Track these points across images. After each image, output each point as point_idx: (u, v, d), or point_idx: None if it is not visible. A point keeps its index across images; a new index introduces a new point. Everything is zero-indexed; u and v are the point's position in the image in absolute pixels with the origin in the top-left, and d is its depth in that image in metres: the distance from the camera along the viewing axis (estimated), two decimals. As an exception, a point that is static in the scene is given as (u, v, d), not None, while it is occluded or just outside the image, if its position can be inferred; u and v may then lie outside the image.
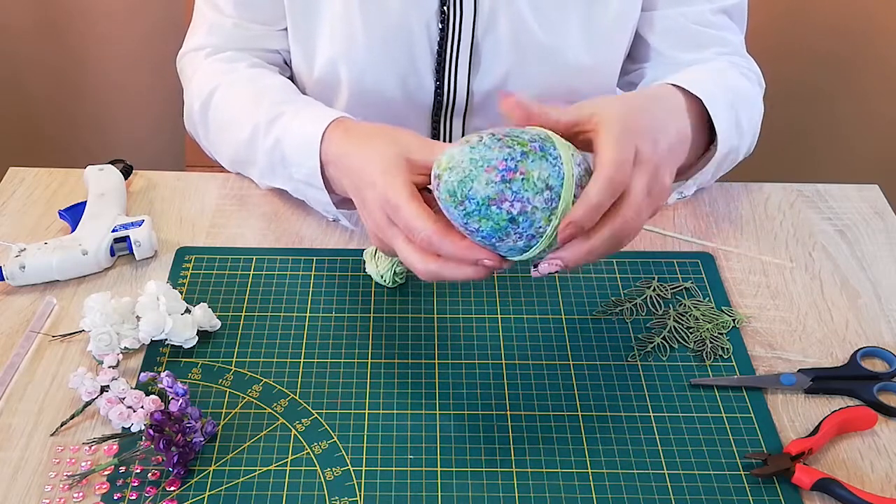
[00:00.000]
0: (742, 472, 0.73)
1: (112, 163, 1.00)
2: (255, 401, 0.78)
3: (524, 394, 0.79)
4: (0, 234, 0.95)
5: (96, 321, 0.81)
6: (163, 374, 0.77)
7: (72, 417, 0.76)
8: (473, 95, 1.03)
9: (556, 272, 0.73)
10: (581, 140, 0.75)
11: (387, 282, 0.88)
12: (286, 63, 1.07)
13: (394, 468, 0.73)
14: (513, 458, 0.74)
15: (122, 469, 0.72)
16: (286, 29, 1.03)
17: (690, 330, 0.85)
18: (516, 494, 0.71)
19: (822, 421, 0.76)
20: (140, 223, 0.92)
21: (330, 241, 0.95)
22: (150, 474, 0.72)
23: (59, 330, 0.84)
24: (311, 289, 0.89)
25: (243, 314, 0.86)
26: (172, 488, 0.71)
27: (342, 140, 0.85)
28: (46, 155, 1.89)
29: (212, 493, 0.71)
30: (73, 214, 0.93)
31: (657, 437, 0.76)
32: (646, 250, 0.93)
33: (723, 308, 0.87)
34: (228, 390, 0.79)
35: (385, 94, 1.02)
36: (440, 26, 0.99)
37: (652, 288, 0.89)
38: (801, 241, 0.96)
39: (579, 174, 0.72)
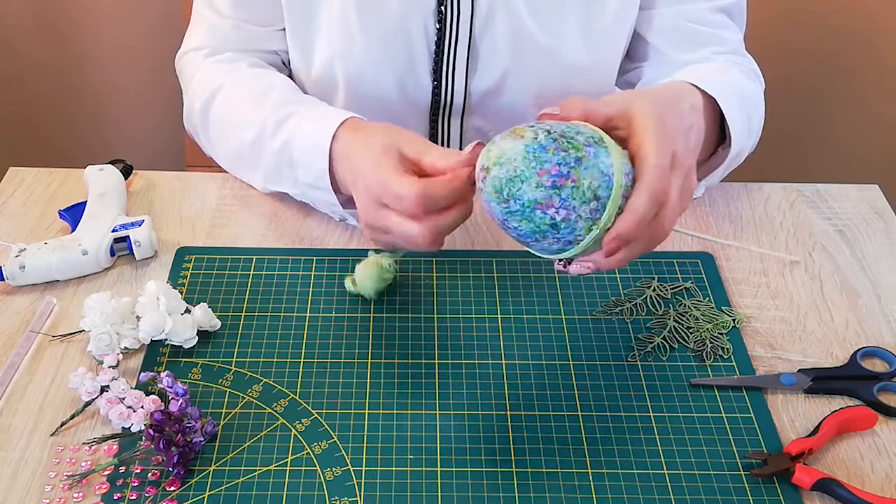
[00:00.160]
0: (742, 472, 0.73)
1: (112, 163, 1.00)
2: (255, 401, 0.78)
3: (524, 394, 0.79)
4: (0, 234, 0.95)
5: (96, 321, 0.81)
6: (163, 374, 0.77)
7: (72, 417, 0.76)
8: (471, 95, 1.04)
9: (586, 274, 0.74)
10: (613, 136, 0.75)
11: (370, 291, 0.86)
12: (284, 64, 1.07)
13: (394, 468, 0.73)
14: (513, 458, 0.74)
15: (122, 469, 0.72)
16: (284, 29, 1.03)
17: (690, 330, 0.85)
18: (516, 494, 0.71)
19: (822, 421, 0.76)
20: (140, 223, 0.92)
21: (330, 241, 0.95)
22: (150, 474, 0.72)
23: (59, 330, 0.84)
24: (311, 289, 0.89)
25: (243, 314, 0.86)
26: (172, 488, 0.71)
27: (350, 138, 0.86)
28: (46, 155, 1.90)
29: (212, 493, 0.71)
30: (73, 214, 0.93)
31: (657, 437, 0.76)
32: (646, 250, 0.93)
33: (723, 308, 0.87)
34: (228, 390, 0.79)
35: (383, 94, 1.02)
36: (438, 26, 0.99)
37: (652, 288, 0.89)
38: (801, 241, 0.96)
39: (626, 185, 0.70)
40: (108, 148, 1.90)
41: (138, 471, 0.72)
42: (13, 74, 1.83)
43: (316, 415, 0.77)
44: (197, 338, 0.83)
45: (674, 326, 0.85)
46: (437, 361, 0.82)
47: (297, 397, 0.79)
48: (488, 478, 0.72)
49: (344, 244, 0.94)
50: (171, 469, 0.72)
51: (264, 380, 0.80)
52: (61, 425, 0.76)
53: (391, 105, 1.03)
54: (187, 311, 0.84)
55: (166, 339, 0.82)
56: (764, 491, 0.72)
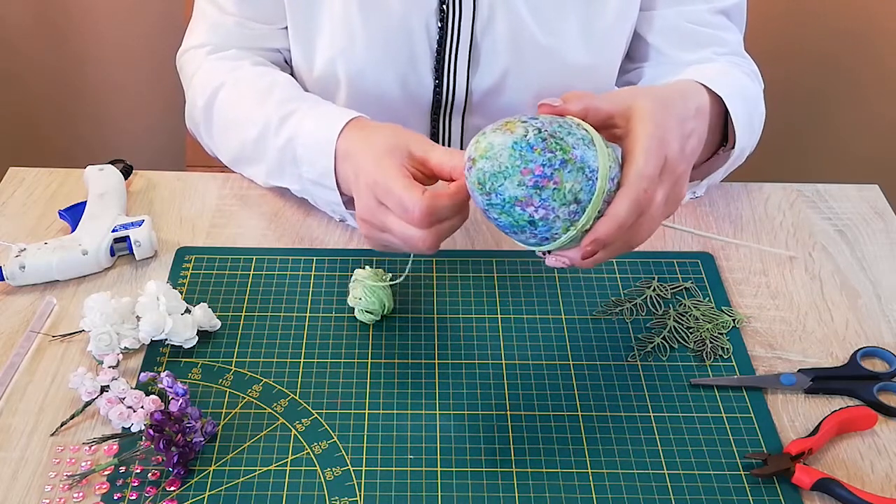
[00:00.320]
0: (742, 472, 0.73)
1: (112, 163, 1.00)
2: (255, 401, 0.78)
3: (524, 394, 0.79)
4: (0, 234, 0.95)
5: (96, 321, 0.81)
6: (163, 374, 0.77)
7: (72, 417, 0.76)
8: (472, 94, 1.04)
9: (561, 267, 0.74)
10: (611, 134, 0.75)
11: (375, 308, 0.85)
12: (286, 62, 1.07)
13: (394, 468, 0.73)
14: (513, 458, 0.74)
15: (122, 469, 0.72)
16: (287, 28, 1.03)
17: (690, 330, 0.85)
18: (516, 494, 0.71)
19: (822, 421, 0.76)
20: (140, 223, 0.92)
21: (330, 241, 0.95)
22: (150, 474, 0.72)
23: (59, 330, 0.84)
24: (311, 289, 0.89)
25: (243, 314, 0.86)
26: (172, 488, 0.71)
27: (354, 137, 0.86)
28: (46, 155, 1.89)
29: (212, 493, 0.71)
30: (73, 214, 0.93)
31: (657, 437, 0.76)
32: (646, 250, 0.93)
33: (723, 308, 0.87)
34: (228, 390, 0.79)
35: (384, 93, 1.02)
36: (439, 25, 0.99)
37: (652, 288, 0.89)
38: (801, 241, 0.96)
39: (609, 190, 0.70)
40: (108, 148, 1.90)
41: (138, 471, 0.72)
42: (13, 74, 1.83)
43: (316, 415, 0.77)
44: (197, 338, 0.83)
45: (674, 326, 0.85)
46: (437, 361, 0.82)
47: (297, 397, 0.79)
48: (488, 478, 0.72)
49: (344, 244, 0.94)
50: (171, 469, 0.72)
51: (264, 380, 0.80)
52: (61, 425, 0.76)
53: (392, 104, 1.03)
54: (187, 311, 0.84)
55: (166, 339, 0.82)
56: (764, 491, 0.72)
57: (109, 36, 1.79)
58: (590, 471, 0.73)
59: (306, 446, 0.75)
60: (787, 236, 0.96)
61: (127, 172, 1.00)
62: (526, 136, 0.69)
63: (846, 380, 0.80)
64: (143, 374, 0.78)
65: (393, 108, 1.03)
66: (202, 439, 0.74)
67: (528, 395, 0.79)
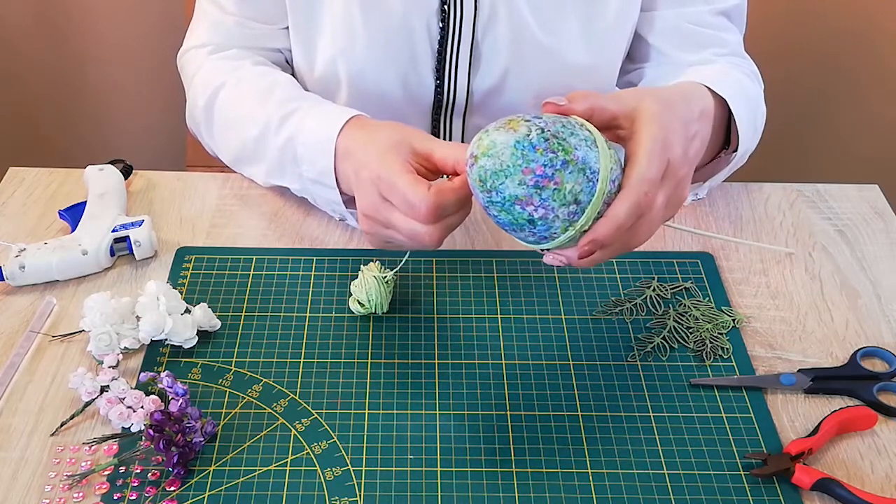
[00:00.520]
0: (742, 472, 0.73)
1: (112, 163, 1.00)
2: (255, 401, 0.78)
3: (524, 394, 0.79)
4: (0, 234, 0.95)
5: (96, 321, 0.81)
6: (163, 374, 0.77)
7: (72, 417, 0.76)
8: (473, 94, 1.04)
9: (559, 266, 0.74)
10: (615, 135, 0.75)
11: (381, 308, 0.86)
12: (287, 62, 1.07)
13: (394, 468, 0.73)
14: (513, 458, 0.74)
15: (122, 469, 0.72)
16: (288, 27, 1.03)
17: (690, 330, 0.85)
18: (516, 494, 0.71)
19: (821, 421, 0.76)
20: (140, 223, 0.92)
21: (330, 241, 0.95)
22: (150, 474, 0.72)
23: (59, 330, 0.84)
24: (311, 289, 0.89)
25: (243, 314, 0.86)
26: (172, 488, 0.71)
27: (355, 135, 0.86)
28: (46, 155, 1.90)
29: (212, 493, 0.71)
30: (73, 214, 0.93)
31: (657, 437, 0.76)
32: (646, 250, 0.93)
33: (723, 308, 0.87)
34: (228, 390, 0.79)
35: (385, 93, 1.02)
36: (440, 25, 0.99)
37: (652, 288, 0.89)
38: (801, 241, 0.96)
39: (610, 191, 0.70)
40: (108, 148, 1.90)
41: (138, 471, 0.72)
42: (13, 74, 1.83)
43: (316, 415, 0.77)
44: (197, 338, 0.83)
45: (674, 326, 0.85)
46: (437, 361, 0.82)
47: (297, 397, 0.79)
48: (488, 478, 0.72)
49: (344, 244, 0.94)
50: (171, 469, 0.72)
51: (264, 380, 0.80)
52: (61, 425, 0.76)
53: (394, 103, 1.03)
54: (187, 311, 0.84)
55: (166, 339, 0.82)
56: (764, 491, 0.72)
57: (109, 36, 1.79)
58: (590, 471, 0.73)
59: (306, 446, 0.75)
60: (787, 236, 0.96)
61: (127, 172, 1.00)
62: (528, 135, 0.69)
63: (846, 380, 0.80)
64: (143, 374, 0.78)
65: (394, 108, 1.03)
66: (202, 439, 0.74)
67: (528, 395, 0.79)
